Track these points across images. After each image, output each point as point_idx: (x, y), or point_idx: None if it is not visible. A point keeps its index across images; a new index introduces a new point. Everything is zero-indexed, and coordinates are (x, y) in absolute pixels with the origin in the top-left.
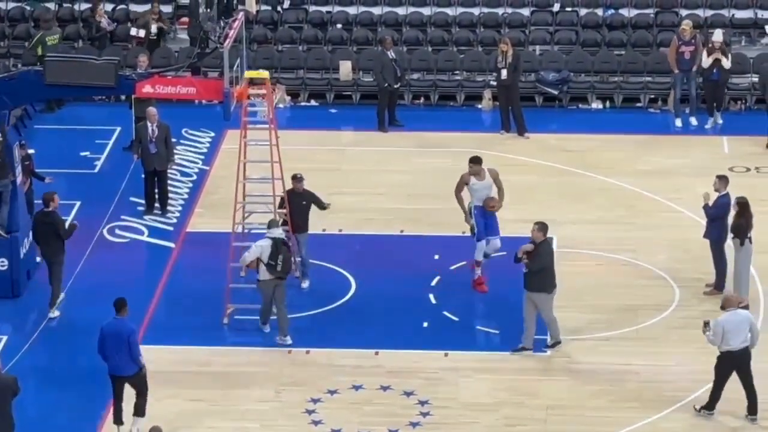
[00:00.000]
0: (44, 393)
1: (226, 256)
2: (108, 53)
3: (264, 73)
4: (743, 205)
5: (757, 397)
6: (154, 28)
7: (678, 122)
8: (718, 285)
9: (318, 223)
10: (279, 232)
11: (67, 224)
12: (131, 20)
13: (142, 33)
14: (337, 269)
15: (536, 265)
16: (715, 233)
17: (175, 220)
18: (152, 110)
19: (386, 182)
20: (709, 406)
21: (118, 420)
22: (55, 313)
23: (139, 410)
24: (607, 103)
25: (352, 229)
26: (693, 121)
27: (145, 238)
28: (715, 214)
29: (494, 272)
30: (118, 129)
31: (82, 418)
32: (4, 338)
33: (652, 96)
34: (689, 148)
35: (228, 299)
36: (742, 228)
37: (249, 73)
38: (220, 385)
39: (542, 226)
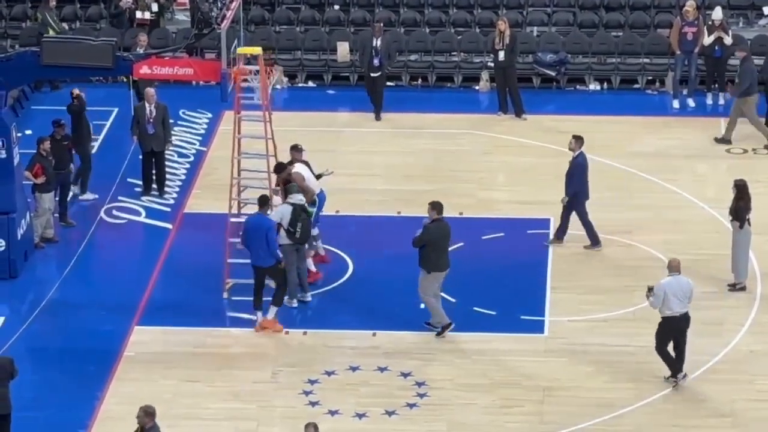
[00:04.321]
0: (41, 374)
1: (223, 237)
2: (128, 34)
3: (256, 49)
4: (742, 187)
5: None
6: (154, 7)
7: (676, 104)
8: (594, 241)
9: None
10: (299, 198)
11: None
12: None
13: (147, 15)
14: (334, 250)
15: (421, 240)
16: (572, 191)
17: (172, 201)
18: (150, 91)
19: (383, 163)
20: (674, 372)
21: (258, 306)
22: (87, 195)
23: (277, 300)
24: (605, 85)
25: (349, 210)
26: (690, 102)
27: (142, 219)
28: (571, 173)
29: (492, 254)
30: (116, 110)
31: (79, 399)
32: (2, 319)
33: (650, 77)
34: (686, 130)
35: (227, 274)
36: (742, 210)
37: (241, 50)
38: (217, 366)
39: (435, 205)
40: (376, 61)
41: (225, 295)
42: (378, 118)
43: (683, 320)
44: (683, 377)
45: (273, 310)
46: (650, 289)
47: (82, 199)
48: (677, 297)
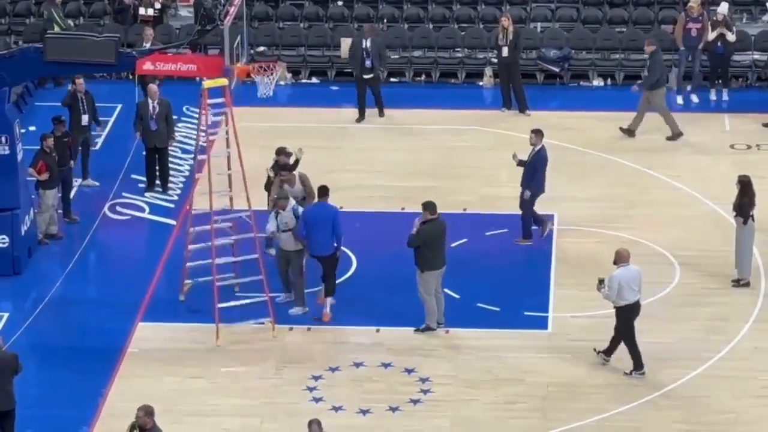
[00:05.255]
0: (45, 371)
1: (227, 234)
2: (132, 30)
3: (222, 81)
4: (746, 183)
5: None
6: (157, 5)
7: (679, 99)
8: (534, 232)
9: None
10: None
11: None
12: None
13: (150, 11)
14: None
15: (416, 241)
16: (533, 187)
17: (176, 198)
18: (153, 87)
19: (387, 160)
20: (637, 365)
21: (331, 292)
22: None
23: (330, 289)
24: (609, 81)
25: (353, 206)
26: (694, 98)
27: (146, 215)
28: (534, 167)
29: (496, 250)
30: (120, 106)
31: (82, 396)
32: (5, 315)
33: None
34: (690, 126)
35: (185, 274)
36: (745, 206)
37: (207, 83)
38: (221, 363)
39: (428, 205)
40: (368, 63)
41: (181, 297)
42: (381, 114)
43: (636, 308)
44: (643, 374)
45: (328, 302)
46: (601, 282)
47: (82, 185)
48: (630, 287)
